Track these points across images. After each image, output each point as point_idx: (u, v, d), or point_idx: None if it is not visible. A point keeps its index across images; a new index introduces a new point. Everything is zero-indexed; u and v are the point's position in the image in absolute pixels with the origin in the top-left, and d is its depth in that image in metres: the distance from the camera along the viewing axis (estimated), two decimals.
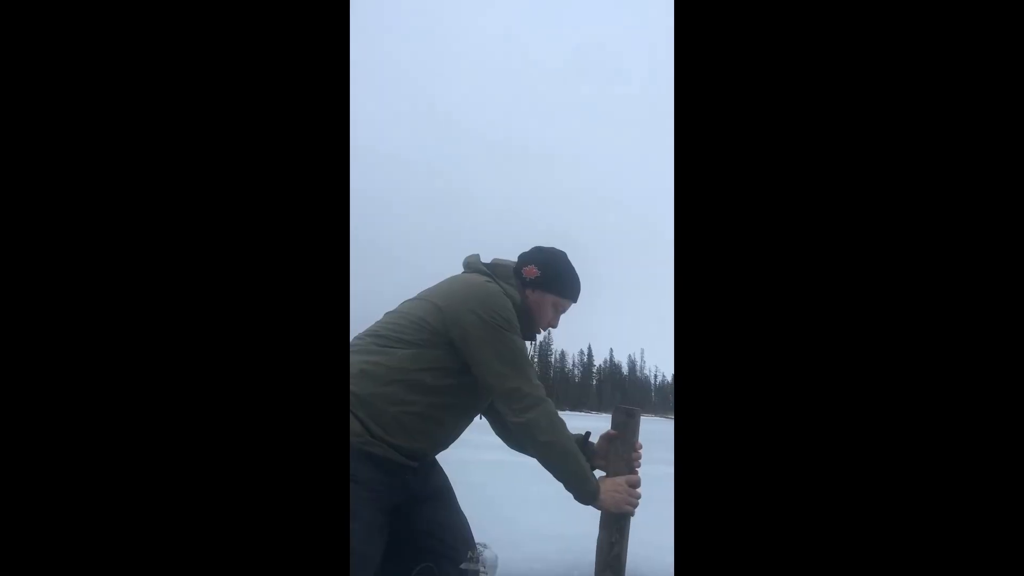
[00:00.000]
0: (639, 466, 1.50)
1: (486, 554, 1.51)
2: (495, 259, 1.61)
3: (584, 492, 1.40)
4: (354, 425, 1.37)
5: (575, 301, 1.64)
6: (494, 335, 1.40)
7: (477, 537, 1.57)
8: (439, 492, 1.56)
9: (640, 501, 1.44)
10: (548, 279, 1.58)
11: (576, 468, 1.39)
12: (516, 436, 1.42)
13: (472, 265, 1.58)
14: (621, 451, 1.48)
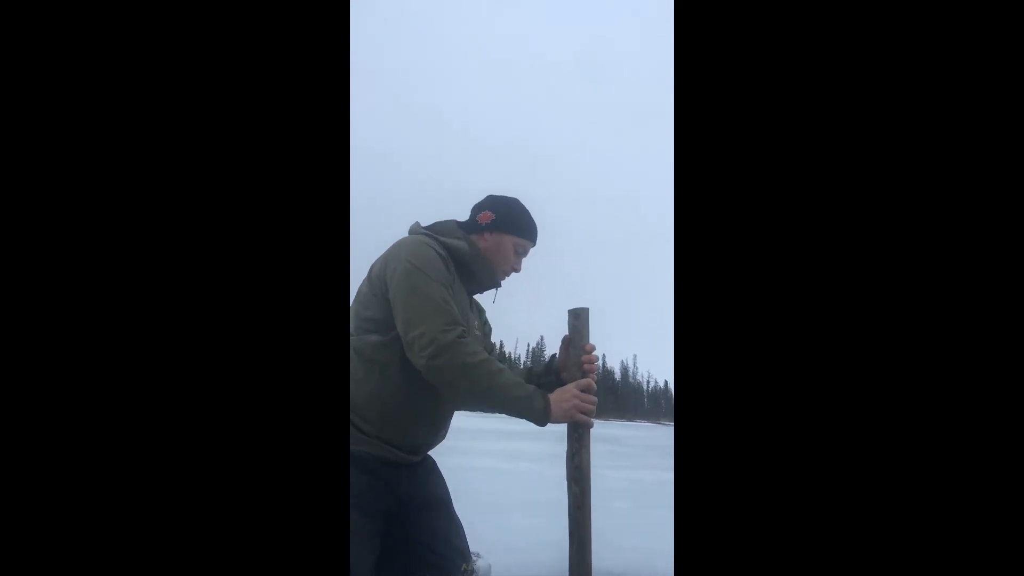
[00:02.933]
0: (594, 370, 1.43)
1: (479, 563, 1.49)
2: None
3: (533, 416, 1.32)
4: None
5: (534, 243, 1.62)
6: (406, 279, 1.36)
7: (471, 544, 1.55)
8: (436, 501, 1.53)
9: (595, 407, 1.35)
10: (505, 220, 1.57)
11: (510, 401, 1.30)
12: (435, 385, 1.34)
13: (412, 229, 1.57)
14: (574, 356, 1.43)
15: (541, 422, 1.33)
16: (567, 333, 1.47)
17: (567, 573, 1.33)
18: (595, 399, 1.37)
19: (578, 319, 1.45)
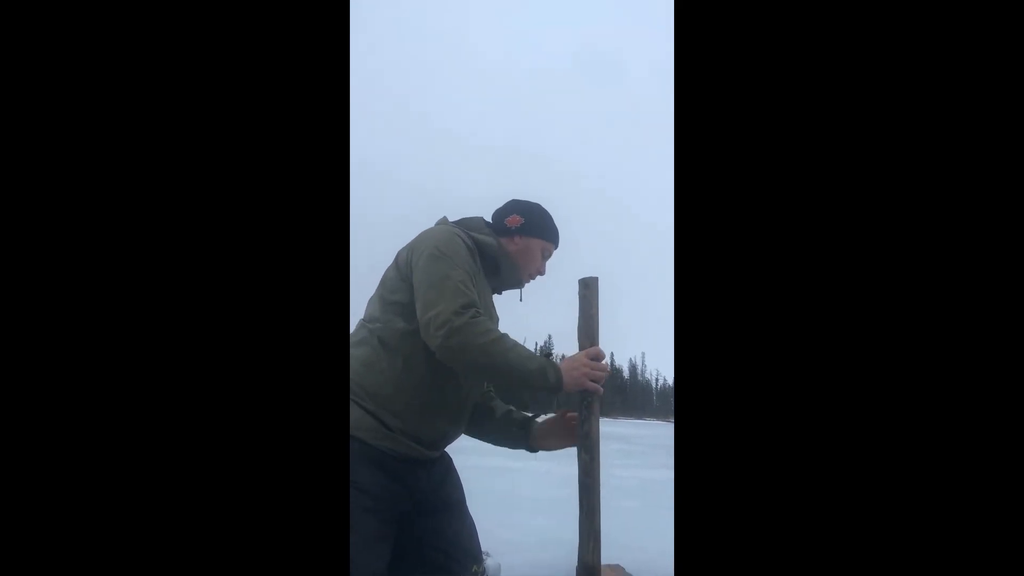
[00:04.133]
0: (602, 378, 1.42)
1: (488, 563, 1.50)
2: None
3: (547, 385, 1.34)
4: (367, 421, 1.35)
5: (557, 246, 1.66)
6: (429, 263, 1.38)
7: (480, 543, 1.56)
8: (450, 504, 1.52)
9: (605, 375, 1.38)
10: (534, 225, 1.60)
11: (524, 374, 1.33)
12: (449, 365, 1.36)
13: (440, 222, 1.59)
14: (583, 326, 1.45)
15: (555, 390, 1.35)
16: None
17: (575, 563, 1.34)
18: (606, 366, 1.40)
19: (588, 288, 1.47)
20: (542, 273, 1.64)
